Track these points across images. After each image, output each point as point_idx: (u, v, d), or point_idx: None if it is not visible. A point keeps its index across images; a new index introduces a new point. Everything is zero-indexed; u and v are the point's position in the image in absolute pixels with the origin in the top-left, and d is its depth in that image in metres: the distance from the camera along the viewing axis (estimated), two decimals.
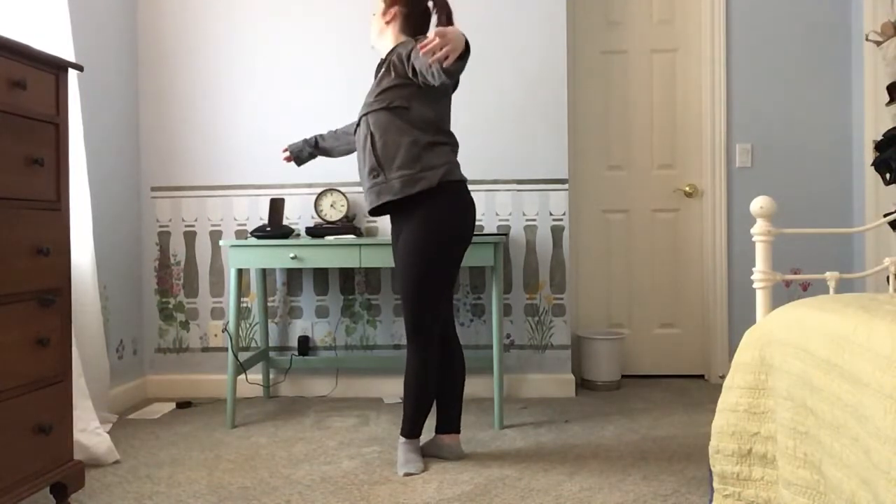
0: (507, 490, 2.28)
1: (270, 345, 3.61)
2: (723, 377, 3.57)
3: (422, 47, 2.12)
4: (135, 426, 3.08)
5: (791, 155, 3.81)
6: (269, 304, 3.62)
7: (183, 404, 3.40)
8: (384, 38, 2.56)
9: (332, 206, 3.45)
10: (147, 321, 3.66)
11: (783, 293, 3.65)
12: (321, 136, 2.92)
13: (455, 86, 2.60)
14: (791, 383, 1.58)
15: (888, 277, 2.38)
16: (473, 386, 3.37)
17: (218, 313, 3.64)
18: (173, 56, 3.63)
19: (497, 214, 3.56)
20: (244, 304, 3.61)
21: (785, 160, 3.81)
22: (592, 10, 3.91)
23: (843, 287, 3.29)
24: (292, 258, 3.01)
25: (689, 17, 3.89)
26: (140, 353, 3.63)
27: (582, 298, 3.95)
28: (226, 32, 3.61)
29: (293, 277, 3.62)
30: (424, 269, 2.41)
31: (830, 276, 2.07)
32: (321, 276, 3.61)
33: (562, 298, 3.56)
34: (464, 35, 2.12)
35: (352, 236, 3.20)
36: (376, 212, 2.50)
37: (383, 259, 2.99)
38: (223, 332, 3.63)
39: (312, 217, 3.55)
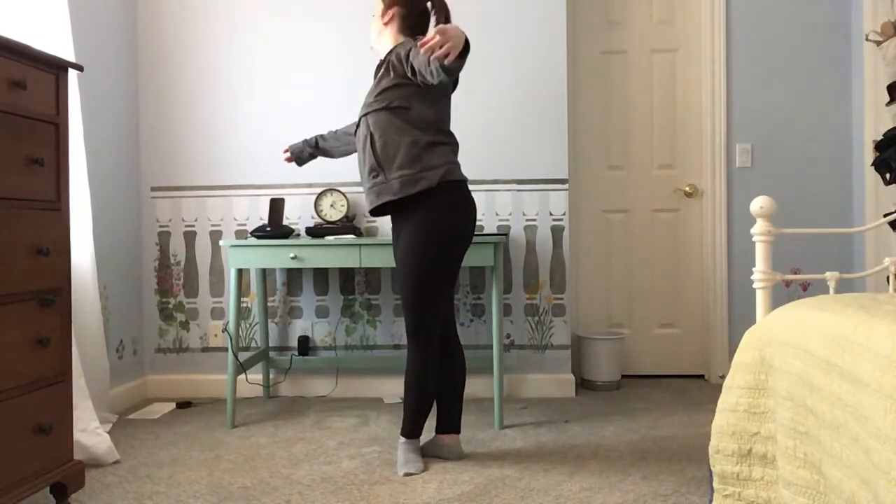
0: (507, 490, 2.28)
1: (270, 345, 3.61)
2: (723, 377, 3.57)
3: (422, 45, 2.12)
4: (135, 426, 3.08)
5: (791, 155, 3.81)
6: (269, 304, 3.62)
7: (183, 404, 3.40)
8: (383, 38, 2.57)
9: (332, 206, 3.45)
10: (147, 321, 3.66)
11: (783, 293, 3.65)
12: (321, 136, 2.93)
13: (455, 85, 2.60)
14: (791, 383, 1.58)
15: (888, 277, 2.39)
16: (473, 386, 3.36)
17: (218, 313, 3.64)
18: (173, 56, 3.63)
19: (497, 214, 3.56)
20: (244, 304, 3.61)
21: (785, 160, 3.81)
22: (592, 10, 3.91)
23: (843, 287, 3.29)
24: (292, 258, 3.01)
25: (689, 17, 3.89)
26: (140, 353, 3.63)
27: (582, 298, 3.95)
28: (226, 32, 3.61)
29: (293, 277, 3.62)
30: (424, 270, 2.41)
31: (830, 276, 2.07)
32: (321, 276, 3.61)
33: (562, 298, 3.56)
34: (464, 33, 2.12)
35: (352, 236, 3.20)
36: (377, 212, 2.51)
37: (383, 259, 2.99)
38: (223, 332, 3.63)
39: (312, 217, 3.55)
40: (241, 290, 3.53)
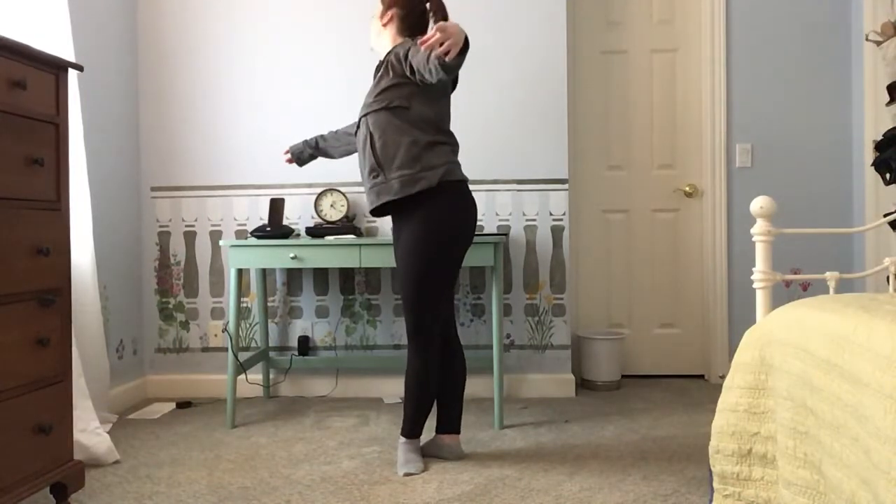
0: (507, 490, 2.28)
1: (270, 345, 3.61)
2: (723, 377, 3.57)
3: (422, 43, 2.13)
4: (135, 426, 3.08)
5: (791, 155, 3.81)
6: (269, 304, 3.62)
7: (183, 404, 3.40)
8: (382, 39, 2.58)
9: (332, 206, 3.45)
10: (147, 321, 3.66)
11: (783, 293, 3.65)
12: (322, 136, 2.93)
13: (454, 85, 2.61)
14: (791, 383, 1.58)
15: (888, 277, 2.39)
16: (473, 386, 3.36)
17: (218, 313, 3.64)
18: (173, 56, 3.63)
19: (497, 214, 3.56)
20: (244, 304, 3.61)
21: (785, 160, 3.81)
22: (592, 10, 3.91)
23: (843, 287, 3.29)
24: (292, 258, 3.01)
25: (689, 17, 3.89)
26: (140, 353, 3.63)
27: (582, 298, 3.95)
28: (226, 32, 3.61)
29: (293, 277, 3.62)
30: (424, 270, 2.41)
31: (830, 276, 2.07)
32: (321, 276, 3.61)
33: (562, 298, 3.56)
34: (463, 30, 2.12)
35: (352, 236, 3.20)
36: (377, 212, 2.50)
37: (383, 259, 2.99)
38: (223, 332, 3.63)
39: (312, 217, 3.55)
40: (241, 290, 3.53)
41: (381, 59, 2.55)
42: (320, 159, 3.03)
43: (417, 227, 2.41)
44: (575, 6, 3.84)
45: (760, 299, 2.07)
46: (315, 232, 3.23)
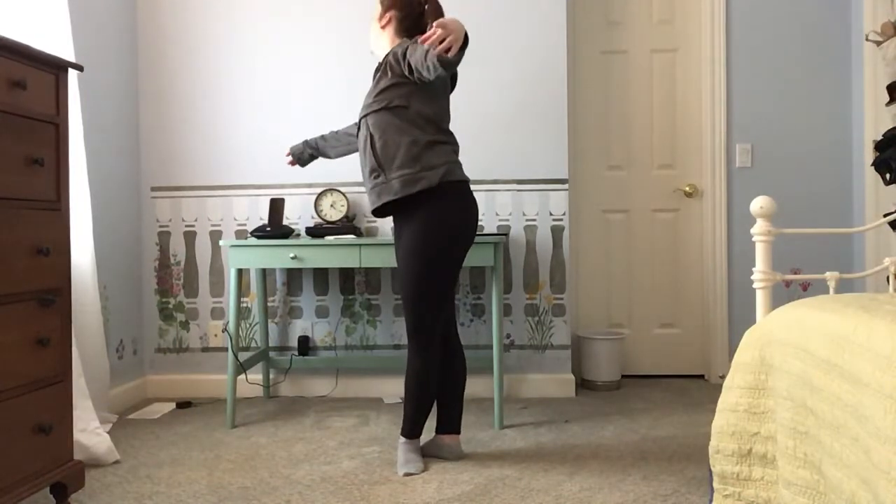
0: (507, 490, 2.28)
1: (270, 345, 3.61)
2: (723, 377, 3.57)
3: (423, 40, 2.13)
4: (135, 426, 3.08)
5: (791, 155, 3.81)
6: (269, 304, 3.62)
7: (183, 404, 3.40)
8: (381, 41, 2.59)
9: (332, 206, 3.45)
10: (147, 321, 3.66)
11: (783, 293, 3.65)
12: (322, 136, 2.94)
13: (454, 85, 2.61)
14: (791, 383, 1.58)
15: (888, 277, 2.39)
16: (473, 386, 3.36)
17: (218, 313, 3.64)
18: (173, 56, 3.63)
19: (497, 214, 3.56)
20: (244, 304, 3.61)
21: (785, 160, 3.81)
22: (592, 10, 3.91)
23: (843, 287, 3.29)
24: (292, 258, 3.01)
25: (689, 17, 3.89)
26: (140, 353, 3.63)
27: (582, 298, 3.95)
28: (226, 32, 3.61)
29: (293, 277, 3.62)
30: (425, 270, 2.41)
31: (830, 276, 2.07)
32: (321, 276, 3.61)
33: (562, 298, 3.56)
34: (463, 26, 2.13)
35: (352, 236, 3.20)
36: (379, 212, 2.50)
37: (383, 259, 2.99)
38: (223, 332, 3.63)
39: (312, 217, 3.55)
40: (241, 290, 3.53)
41: (380, 60, 2.55)
42: (321, 159, 3.03)
43: (418, 227, 2.41)
44: (575, 6, 3.84)
45: (760, 299, 2.07)
46: (315, 232, 3.23)
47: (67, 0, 2.84)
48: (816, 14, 3.78)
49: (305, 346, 3.57)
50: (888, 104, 3.38)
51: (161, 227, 3.65)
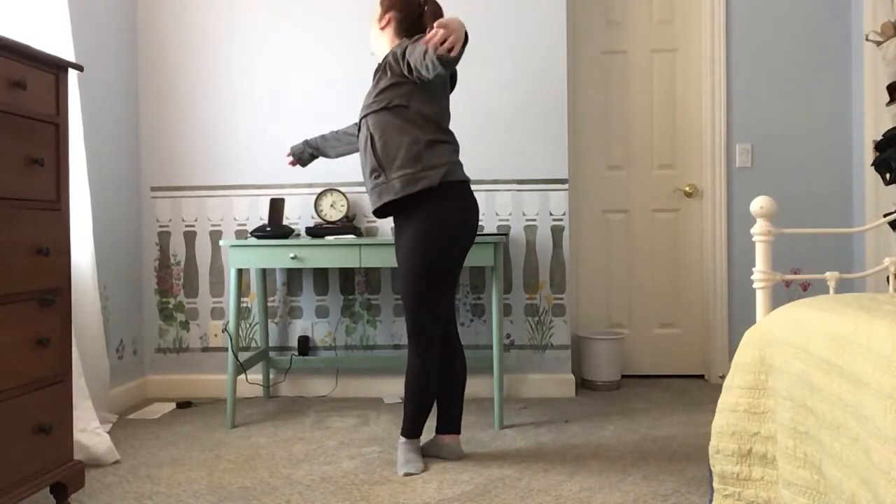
0: (507, 490, 2.28)
1: (270, 345, 3.61)
2: (723, 377, 3.57)
3: (426, 41, 2.13)
4: (135, 426, 3.08)
5: (791, 155, 3.81)
6: (269, 304, 3.62)
7: (183, 404, 3.40)
8: (381, 42, 2.60)
9: (332, 206, 3.45)
10: (147, 321, 3.66)
11: (783, 293, 3.65)
12: (322, 136, 2.94)
13: (453, 85, 2.61)
14: (791, 383, 1.58)
15: (888, 277, 2.38)
16: (473, 386, 3.36)
17: (218, 313, 3.64)
18: (173, 56, 3.63)
19: (497, 214, 3.56)
20: (244, 304, 3.61)
21: (785, 160, 3.81)
22: (592, 10, 3.91)
23: (843, 287, 3.29)
24: (292, 258, 3.01)
25: (689, 17, 3.89)
26: (140, 353, 3.63)
27: (582, 298, 3.95)
28: (226, 32, 3.61)
29: (293, 277, 3.62)
30: (424, 270, 2.41)
31: (830, 276, 2.07)
32: (321, 276, 3.61)
33: (562, 298, 3.56)
34: (463, 24, 2.13)
35: (352, 236, 3.20)
36: (380, 213, 2.50)
37: (383, 259, 2.99)
38: (223, 332, 3.63)
39: (312, 217, 3.55)
40: (241, 290, 3.53)
41: (380, 61, 2.55)
42: (321, 159, 3.03)
43: (418, 227, 2.41)
44: (575, 6, 3.84)
45: (760, 299, 2.07)
46: (315, 232, 3.23)
47: (67, 0, 2.84)
48: (816, 14, 3.78)
49: (305, 346, 3.57)
50: (888, 104, 3.38)
51: (161, 227, 3.65)
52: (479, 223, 3.52)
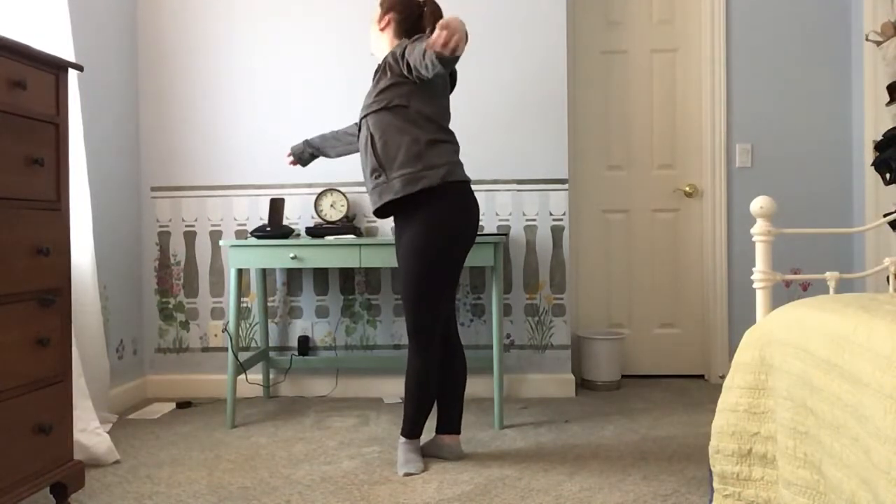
0: (507, 490, 2.28)
1: (270, 345, 3.61)
2: (723, 377, 3.57)
3: (429, 46, 2.13)
4: (135, 426, 3.08)
5: (791, 155, 3.81)
6: (269, 304, 3.62)
7: (183, 404, 3.40)
8: (381, 43, 2.60)
9: (332, 206, 3.45)
10: (147, 321, 3.66)
11: (783, 293, 3.65)
12: (322, 136, 2.94)
13: (453, 85, 2.61)
14: (791, 383, 1.58)
15: (888, 277, 2.38)
16: (473, 386, 3.36)
17: (218, 313, 3.64)
18: (173, 56, 3.63)
19: (497, 214, 3.56)
20: (244, 304, 3.61)
21: (785, 160, 3.81)
22: (592, 10, 3.91)
23: (843, 287, 3.29)
24: (292, 258, 3.01)
25: (689, 17, 3.89)
26: (140, 353, 3.63)
27: (582, 298, 3.95)
28: (226, 32, 3.61)
29: (293, 277, 3.62)
30: (425, 270, 2.41)
31: (830, 276, 2.07)
32: (321, 276, 3.61)
33: (562, 298, 3.56)
34: (464, 23, 2.13)
35: (352, 236, 3.20)
36: (380, 213, 2.50)
37: (383, 259, 2.99)
38: (223, 332, 3.63)
39: (312, 217, 3.55)
40: (241, 290, 3.53)
41: (380, 62, 2.55)
42: (321, 159, 3.03)
43: (418, 227, 2.41)
44: (575, 6, 3.84)
45: (760, 299, 2.07)
46: (315, 232, 3.23)
47: (67, 0, 2.84)
48: (816, 14, 3.78)
49: (305, 346, 3.57)
50: (888, 104, 3.38)
51: (161, 227, 3.65)
52: (480, 223, 3.53)
